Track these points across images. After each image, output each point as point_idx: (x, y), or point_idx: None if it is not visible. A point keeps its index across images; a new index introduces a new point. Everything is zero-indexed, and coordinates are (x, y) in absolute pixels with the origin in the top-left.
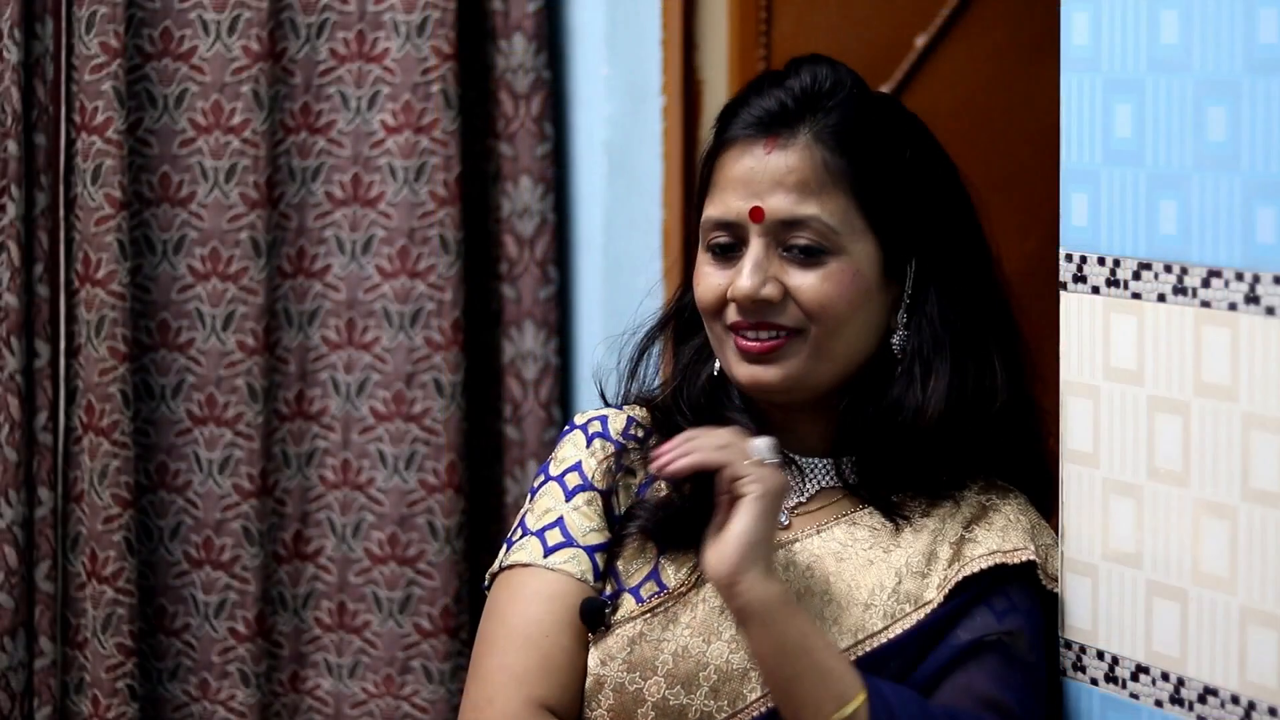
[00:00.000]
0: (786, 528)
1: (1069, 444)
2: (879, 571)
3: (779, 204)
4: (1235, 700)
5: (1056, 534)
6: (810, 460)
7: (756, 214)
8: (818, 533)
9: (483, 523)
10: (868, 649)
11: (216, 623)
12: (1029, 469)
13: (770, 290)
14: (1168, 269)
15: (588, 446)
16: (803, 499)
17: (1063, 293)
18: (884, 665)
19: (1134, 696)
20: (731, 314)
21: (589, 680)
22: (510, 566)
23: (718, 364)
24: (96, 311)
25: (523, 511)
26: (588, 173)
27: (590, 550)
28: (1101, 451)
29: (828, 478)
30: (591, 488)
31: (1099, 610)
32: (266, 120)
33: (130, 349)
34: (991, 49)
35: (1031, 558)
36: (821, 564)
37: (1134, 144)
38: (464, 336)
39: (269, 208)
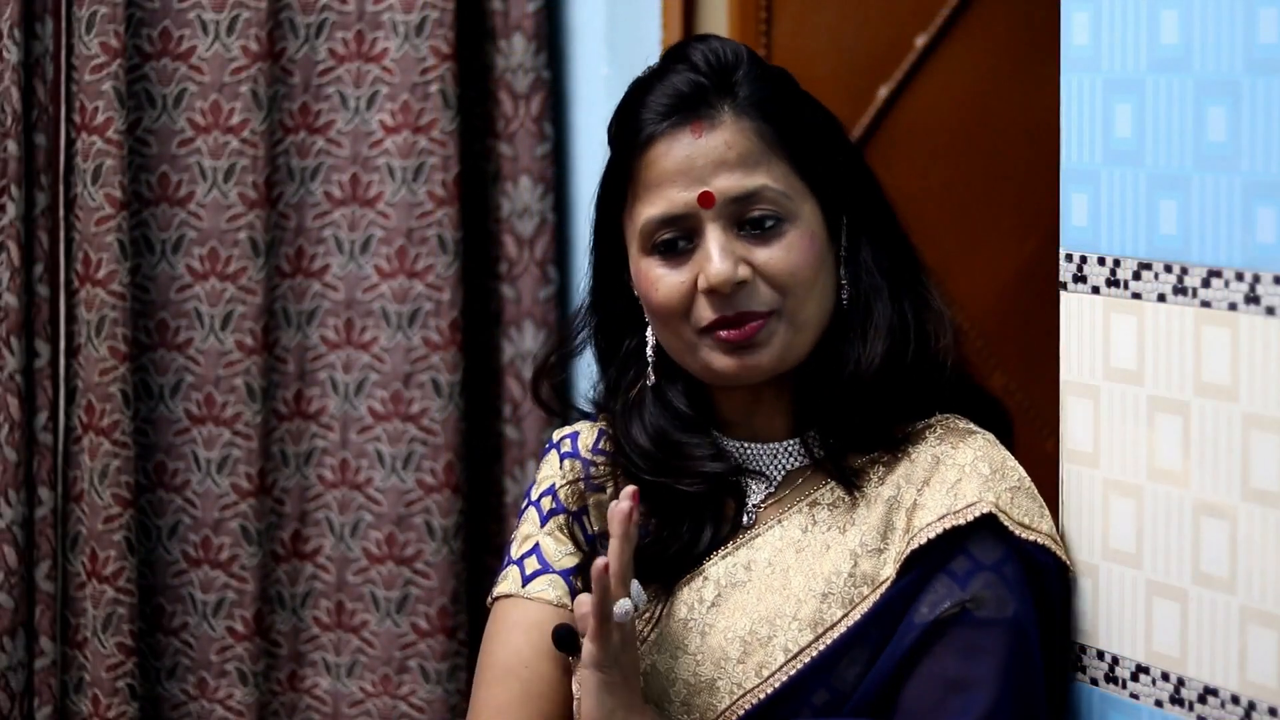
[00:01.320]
0: (752, 525)
1: (1069, 444)
2: (836, 556)
3: (726, 183)
4: (1235, 700)
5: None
6: (774, 445)
7: (707, 199)
8: (779, 523)
9: (481, 523)
10: (828, 642)
11: (215, 621)
12: (979, 404)
13: (743, 271)
14: (1168, 269)
15: (560, 466)
16: (771, 489)
17: (1063, 293)
18: (845, 653)
19: (1134, 696)
20: (705, 312)
21: (574, 704)
22: (497, 598)
23: (651, 376)
24: (96, 311)
25: (510, 538)
26: (588, 173)
27: (566, 574)
28: (1101, 451)
29: (794, 458)
30: (564, 510)
31: (1099, 610)
32: (265, 120)
33: (129, 349)
34: (991, 49)
35: (987, 510)
36: (781, 558)
37: (1134, 144)
38: (463, 336)
39: (268, 207)
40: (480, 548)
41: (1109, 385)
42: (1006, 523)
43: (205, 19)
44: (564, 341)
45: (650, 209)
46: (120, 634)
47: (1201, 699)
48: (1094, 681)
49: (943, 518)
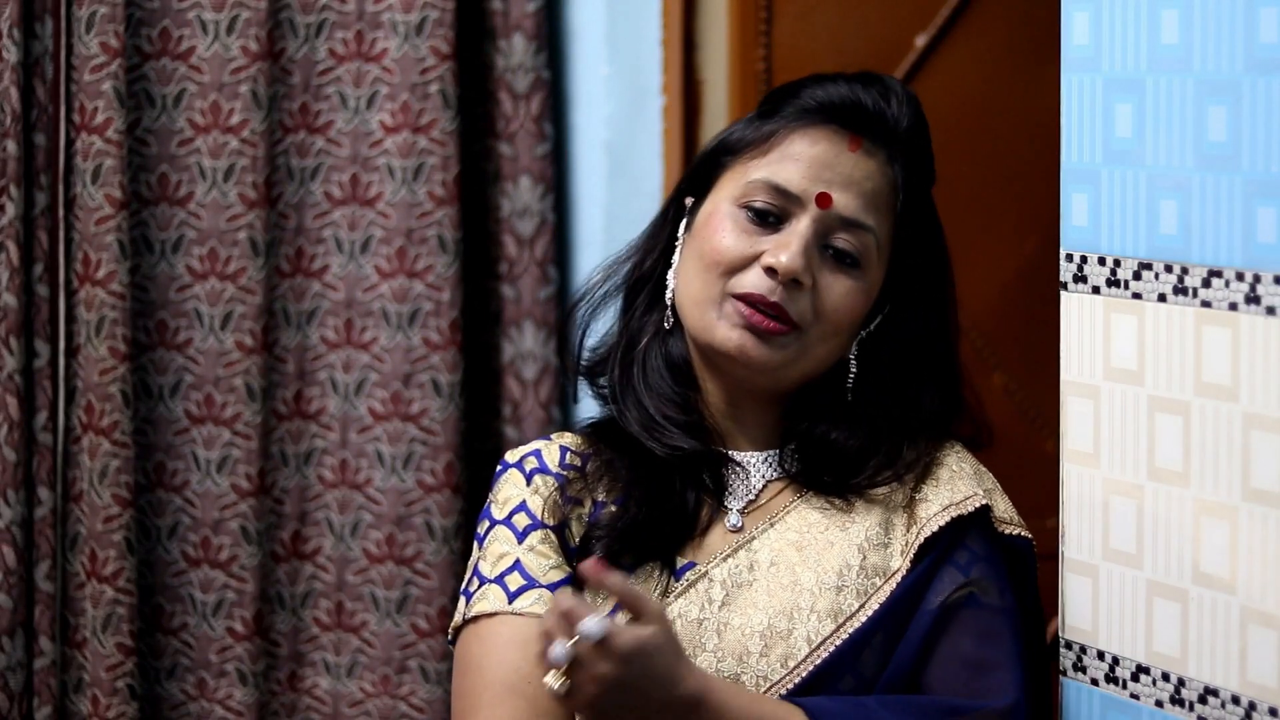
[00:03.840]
0: (739, 529)
1: (1069, 444)
2: (841, 551)
3: (846, 202)
4: (1236, 700)
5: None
6: (755, 455)
7: (825, 199)
8: (771, 526)
9: None
10: (849, 631)
11: (214, 622)
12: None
13: (807, 278)
14: (1168, 269)
15: (528, 484)
16: (752, 496)
17: (1063, 293)
18: (867, 642)
19: (1134, 697)
20: (751, 281)
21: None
22: (475, 618)
23: (671, 319)
24: (96, 311)
25: (474, 560)
26: (588, 173)
27: (553, 588)
28: (1101, 451)
29: (771, 470)
30: (542, 525)
31: (1099, 610)
32: (265, 120)
33: (129, 349)
34: (991, 49)
35: (983, 502)
36: (784, 556)
37: (1134, 144)
38: (462, 336)
39: (267, 207)
40: None
41: (1109, 385)
42: (994, 520)
43: (205, 19)
44: (601, 283)
45: (769, 172)
46: (120, 634)
47: (1202, 699)
48: (1094, 681)
49: (946, 508)
